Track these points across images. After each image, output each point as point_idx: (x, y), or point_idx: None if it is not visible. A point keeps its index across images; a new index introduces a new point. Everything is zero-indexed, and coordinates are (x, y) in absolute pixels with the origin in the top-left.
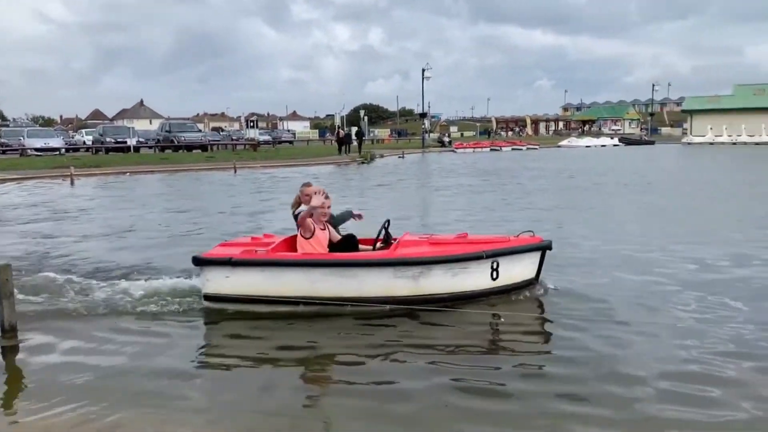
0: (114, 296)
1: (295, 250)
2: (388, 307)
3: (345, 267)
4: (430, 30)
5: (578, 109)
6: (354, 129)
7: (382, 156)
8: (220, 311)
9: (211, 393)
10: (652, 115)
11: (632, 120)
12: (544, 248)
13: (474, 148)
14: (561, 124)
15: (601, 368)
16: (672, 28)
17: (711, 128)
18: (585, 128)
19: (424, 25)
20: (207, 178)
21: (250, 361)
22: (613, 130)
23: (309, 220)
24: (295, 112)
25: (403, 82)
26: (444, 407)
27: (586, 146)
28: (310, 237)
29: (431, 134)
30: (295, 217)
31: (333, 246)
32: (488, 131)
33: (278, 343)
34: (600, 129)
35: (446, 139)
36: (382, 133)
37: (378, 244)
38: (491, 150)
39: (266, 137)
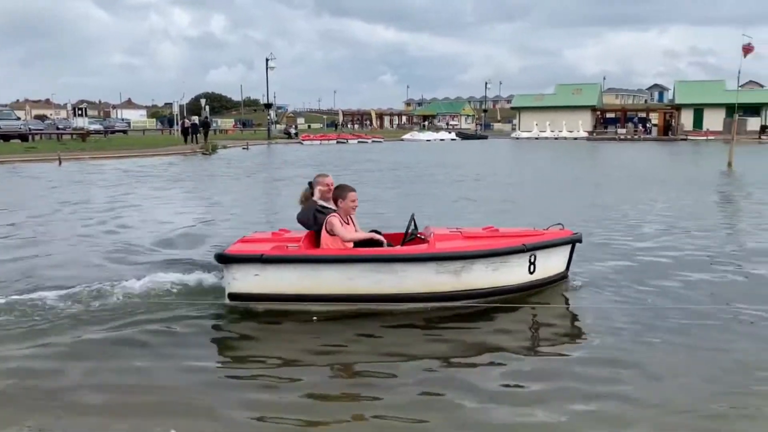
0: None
1: (316, 247)
2: (430, 305)
3: (386, 262)
4: (275, 20)
5: (420, 104)
6: (196, 118)
7: (225, 147)
8: (238, 311)
9: (238, 400)
10: (485, 111)
11: (468, 116)
12: (575, 241)
13: (321, 140)
14: (404, 118)
15: None
16: (503, 30)
17: (536, 124)
18: (426, 123)
19: (269, 14)
20: (26, 170)
21: (279, 364)
22: (451, 125)
23: (336, 220)
24: (129, 99)
25: (247, 72)
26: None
27: (427, 140)
28: (332, 234)
29: (278, 126)
30: (308, 210)
31: (359, 242)
32: (335, 124)
33: (309, 345)
34: (447, 124)
35: (293, 131)
36: (226, 123)
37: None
38: (338, 142)
39: (97, 126)
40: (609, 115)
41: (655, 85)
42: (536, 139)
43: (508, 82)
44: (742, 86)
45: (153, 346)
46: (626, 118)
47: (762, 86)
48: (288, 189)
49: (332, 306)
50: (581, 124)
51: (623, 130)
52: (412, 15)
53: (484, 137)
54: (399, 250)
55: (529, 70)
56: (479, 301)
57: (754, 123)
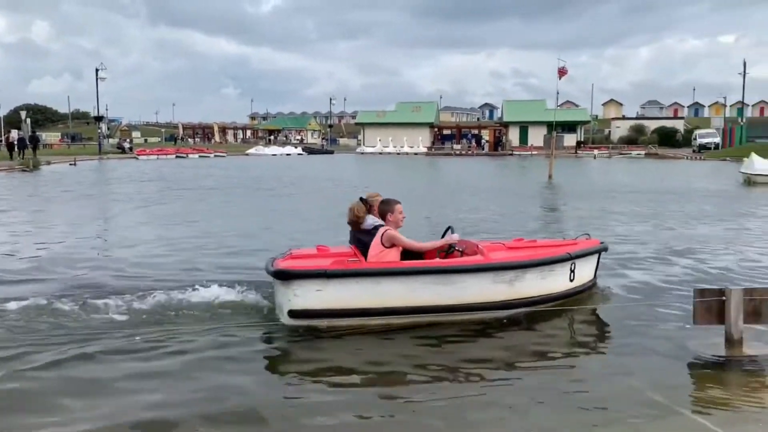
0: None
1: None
2: (487, 314)
3: (447, 274)
4: (106, 28)
5: (264, 118)
6: (21, 132)
7: (49, 163)
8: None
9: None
10: (331, 126)
11: (314, 130)
12: (603, 250)
13: (158, 154)
14: (249, 133)
15: None
16: (346, 47)
17: (380, 140)
18: (271, 137)
19: (99, 22)
20: None
21: (342, 380)
22: (297, 139)
23: (397, 233)
24: None
25: (75, 82)
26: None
27: (273, 155)
28: (390, 247)
29: (110, 140)
30: (356, 226)
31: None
32: (174, 137)
33: (374, 360)
34: (287, 138)
35: (127, 145)
36: (52, 137)
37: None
38: (177, 157)
39: None
40: (446, 131)
41: (486, 104)
42: (380, 154)
43: (352, 98)
44: (560, 106)
45: (224, 371)
46: (461, 134)
47: (578, 106)
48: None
49: (391, 319)
50: (421, 140)
51: (459, 146)
52: (254, 29)
53: (331, 152)
54: (459, 261)
55: (372, 88)
56: (528, 309)
57: (570, 139)
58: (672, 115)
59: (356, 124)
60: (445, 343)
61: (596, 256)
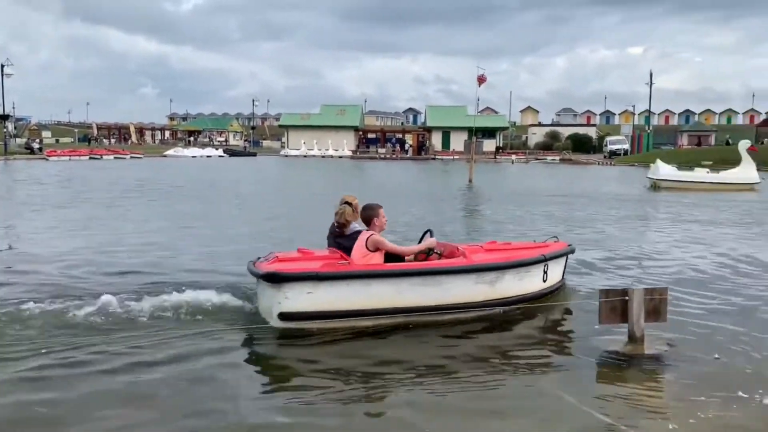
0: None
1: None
2: (470, 313)
3: (433, 275)
4: (13, 22)
5: (184, 119)
6: None
7: None
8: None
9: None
10: (253, 128)
11: (236, 132)
12: (571, 252)
13: (70, 155)
14: (168, 134)
15: None
16: (269, 48)
17: (304, 142)
18: (191, 138)
19: (4, 15)
20: None
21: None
22: (218, 141)
23: (380, 237)
24: None
25: None
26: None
27: (192, 156)
28: (375, 251)
29: (17, 139)
30: (339, 230)
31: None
32: (88, 138)
33: (361, 360)
34: (211, 140)
35: (36, 146)
36: None
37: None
38: (91, 158)
39: None
40: (371, 135)
41: (410, 109)
42: (304, 156)
43: (275, 99)
44: (480, 112)
45: (211, 376)
46: (386, 138)
47: (497, 112)
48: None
49: (380, 320)
50: (346, 144)
51: (383, 150)
52: (174, 27)
53: (253, 154)
54: (445, 263)
55: (296, 90)
56: (506, 308)
57: (490, 144)
58: (585, 123)
59: (280, 126)
60: (420, 343)
61: (564, 258)
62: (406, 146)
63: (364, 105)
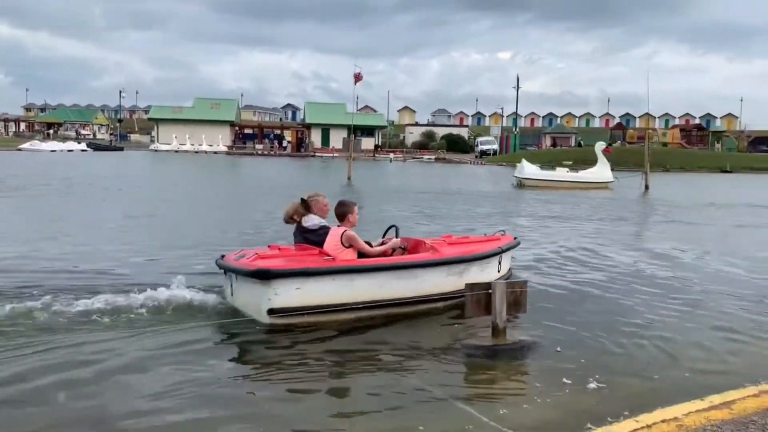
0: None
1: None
2: (441, 304)
3: (410, 269)
4: None
5: (43, 110)
6: None
7: None
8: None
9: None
10: (120, 121)
11: (102, 125)
12: (518, 245)
13: None
14: (23, 125)
15: None
16: (138, 38)
17: (176, 137)
18: (50, 131)
19: None
20: None
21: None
22: (82, 134)
23: (355, 235)
24: None
25: None
26: None
27: (52, 150)
28: (349, 247)
29: None
30: (299, 226)
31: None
32: None
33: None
34: (78, 134)
35: None
36: None
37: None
38: None
39: None
40: (247, 131)
41: (289, 105)
42: (176, 152)
43: (145, 92)
44: (359, 110)
45: (196, 370)
46: (263, 134)
47: (375, 111)
48: None
49: (361, 313)
50: (221, 139)
51: (261, 146)
52: (30, 10)
53: (120, 149)
54: (421, 257)
55: (167, 82)
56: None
57: (369, 142)
58: (458, 123)
59: (149, 119)
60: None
61: (512, 250)
62: (285, 143)
63: (241, 99)
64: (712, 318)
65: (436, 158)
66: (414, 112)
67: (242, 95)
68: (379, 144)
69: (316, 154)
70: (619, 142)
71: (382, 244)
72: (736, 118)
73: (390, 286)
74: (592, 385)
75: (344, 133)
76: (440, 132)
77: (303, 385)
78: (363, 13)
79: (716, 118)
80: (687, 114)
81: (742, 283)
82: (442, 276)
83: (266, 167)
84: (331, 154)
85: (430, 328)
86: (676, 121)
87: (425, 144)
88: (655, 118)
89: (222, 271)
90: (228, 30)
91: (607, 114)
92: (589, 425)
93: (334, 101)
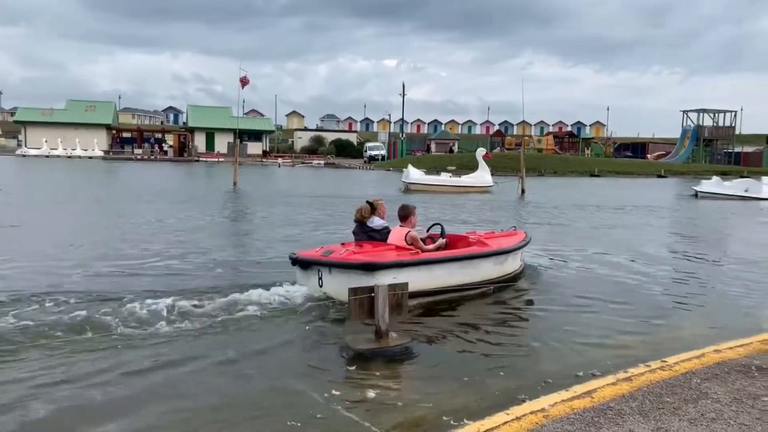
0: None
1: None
2: (491, 287)
3: (472, 259)
4: None
5: None
6: None
7: None
8: None
9: None
10: None
11: None
12: (531, 239)
13: None
14: None
15: None
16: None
17: (46, 141)
18: None
19: None
20: None
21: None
22: None
23: (416, 235)
24: None
25: None
26: None
27: None
28: (411, 244)
29: None
30: (362, 225)
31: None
32: None
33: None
34: None
35: None
36: None
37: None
38: None
39: None
40: (126, 134)
41: (170, 108)
42: (47, 156)
43: (10, 92)
44: (246, 114)
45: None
46: (143, 138)
47: (263, 115)
48: None
49: (436, 297)
50: (97, 143)
51: (140, 151)
52: None
53: None
54: (477, 249)
55: (36, 82)
56: (508, 283)
57: (256, 147)
58: (347, 129)
59: (15, 122)
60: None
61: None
62: (166, 147)
63: (119, 102)
64: (572, 315)
65: (325, 163)
66: (302, 117)
67: (120, 97)
68: (267, 149)
69: (200, 158)
70: (498, 148)
71: (429, 237)
72: (604, 125)
73: (456, 274)
74: (468, 383)
75: (230, 138)
76: (329, 137)
77: None
78: (248, 16)
79: (586, 125)
80: (560, 122)
81: (604, 283)
82: (491, 265)
83: (146, 173)
84: (217, 159)
85: (312, 333)
86: (550, 129)
87: (314, 149)
88: (531, 125)
89: (296, 265)
90: (103, 29)
91: (488, 121)
92: (464, 420)
93: (218, 104)
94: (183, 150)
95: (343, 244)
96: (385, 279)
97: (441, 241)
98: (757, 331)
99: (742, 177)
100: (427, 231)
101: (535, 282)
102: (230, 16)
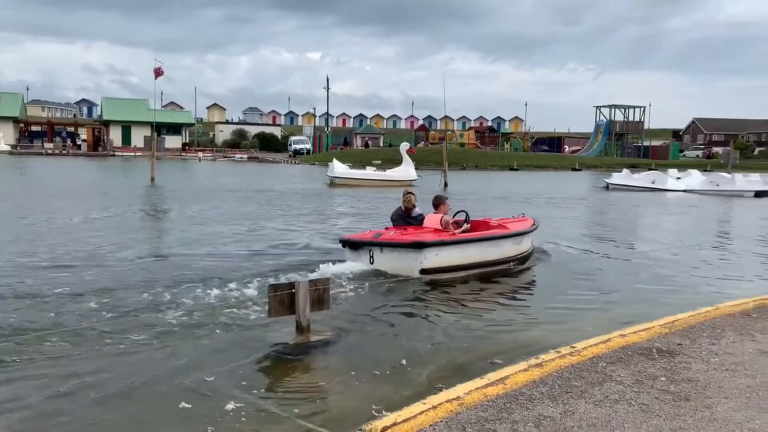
0: None
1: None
2: (512, 263)
3: (498, 239)
4: None
5: None
6: None
7: None
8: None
9: None
10: None
11: None
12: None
13: None
14: None
15: None
16: None
17: None
18: None
19: None
20: None
21: None
22: None
23: (449, 220)
24: None
25: None
26: None
27: None
28: (444, 228)
29: None
30: (407, 214)
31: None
32: None
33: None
34: None
35: None
36: None
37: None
38: None
39: None
40: (35, 128)
41: (84, 100)
42: None
43: None
44: (164, 107)
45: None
46: (54, 132)
47: (182, 108)
48: None
49: (468, 272)
50: (2, 137)
51: (51, 145)
52: None
53: None
54: (500, 231)
55: None
56: (516, 262)
57: (176, 141)
58: (271, 122)
59: None
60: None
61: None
62: (79, 141)
63: (26, 93)
64: (488, 305)
65: (248, 157)
66: (224, 109)
67: (28, 89)
68: (187, 142)
69: (116, 153)
70: (423, 142)
71: (455, 222)
72: (522, 120)
73: (485, 252)
74: (388, 374)
75: (147, 131)
76: (252, 131)
77: None
78: (167, 6)
79: (506, 120)
80: (481, 117)
81: (519, 273)
82: (511, 244)
83: (57, 168)
84: (133, 154)
85: (235, 328)
86: (472, 123)
87: (237, 143)
88: (453, 120)
89: (346, 247)
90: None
91: (412, 116)
92: (383, 411)
93: (135, 97)
94: (97, 144)
95: (387, 228)
96: (429, 256)
97: (466, 225)
98: (659, 315)
99: (650, 170)
100: (454, 217)
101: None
102: (148, 6)
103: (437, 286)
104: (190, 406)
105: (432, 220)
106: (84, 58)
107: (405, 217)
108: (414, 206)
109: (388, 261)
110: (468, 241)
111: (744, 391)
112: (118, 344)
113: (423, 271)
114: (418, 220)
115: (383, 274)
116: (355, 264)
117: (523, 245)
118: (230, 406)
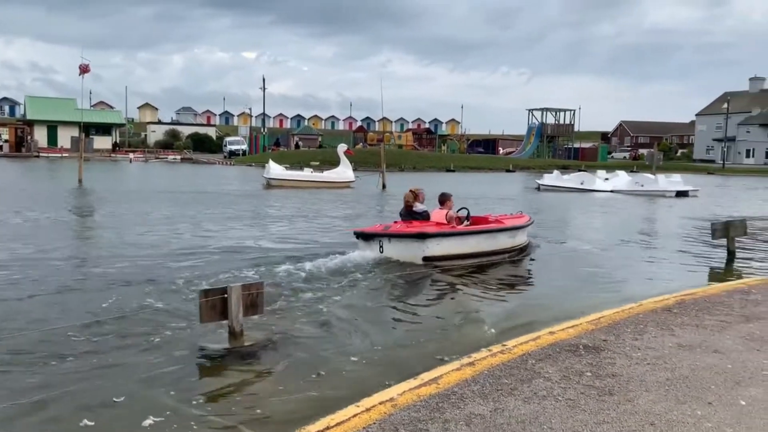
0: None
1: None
2: (507, 255)
3: (494, 233)
4: None
5: None
6: None
7: None
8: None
9: None
10: None
11: None
12: (533, 221)
13: None
14: None
15: None
16: None
17: None
18: None
19: None
20: None
21: None
22: None
23: (454, 215)
24: None
25: None
26: None
27: None
28: (449, 222)
29: None
30: (409, 211)
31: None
32: None
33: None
34: None
35: None
36: None
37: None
38: None
39: None
40: None
41: (5, 99)
42: None
43: None
44: (93, 106)
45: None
46: None
47: (112, 107)
48: None
49: (468, 261)
50: None
51: None
52: None
53: None
54: (497, 225)
55: None
56: (513, 254)
57: (105, 141)
58: (206, 122)
59: None
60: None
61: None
62: (1, 142)
63: None
64: (424, 305)
65: (182, 158)
66: (156, 109)
67: None
68: (118, 143)
69: (41, 154)
70: (361, 144)
71: (458, 217)
72: (458, 123)
73: (483, 243)
74: (323, 377)
75: (75, 131)
76: (186, 131)
77: None
78: (93, 2)
79: (442, 122)
80: (419, 119)
81: (471, 270)
82: (506, 237)
83: None
84: (60, 155)
85: (166, 335)
86: (410, 125)
87: (170, 143)
88: (391, 122)
89: (359, 238)
90: None
91: (350, 117)
92: (317, 414)
93: (61, 96)
94: (21, 145)
95: (395, 222)
96: (431, 245)
97: (466, 222)
98: (587, 312)
99: (579, 171)
100: (457, 212)
101: (398, 272)
102: (74, 2)
103: (374, 284)
104: (112, 417)
105: (438, 215)
106: (4, 55)
107: (411, 213)
108: (414, 203)
109: (395, 249)
110: (465, 233)
111: (663, 384)
112: (40, 356)
113: (426, 259)
114: (423, 216)
115: (386, 262)
116: (366, 252)
117: (518, 239)
118: (156, 417)
